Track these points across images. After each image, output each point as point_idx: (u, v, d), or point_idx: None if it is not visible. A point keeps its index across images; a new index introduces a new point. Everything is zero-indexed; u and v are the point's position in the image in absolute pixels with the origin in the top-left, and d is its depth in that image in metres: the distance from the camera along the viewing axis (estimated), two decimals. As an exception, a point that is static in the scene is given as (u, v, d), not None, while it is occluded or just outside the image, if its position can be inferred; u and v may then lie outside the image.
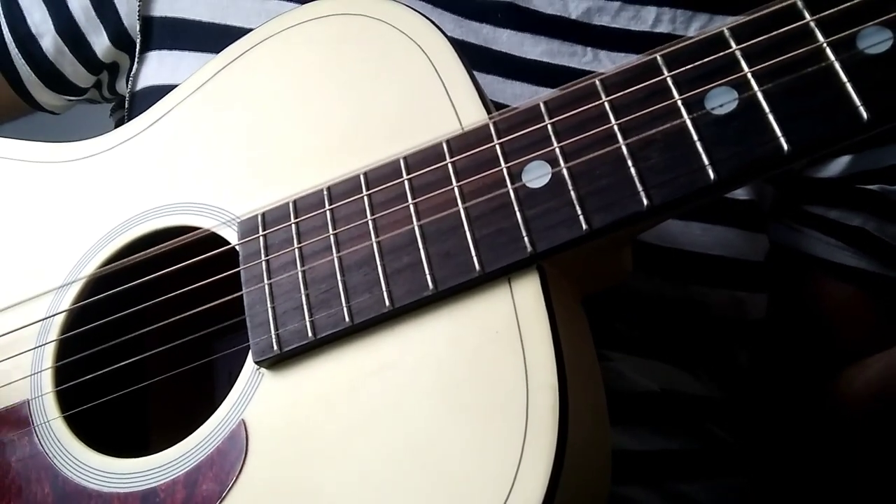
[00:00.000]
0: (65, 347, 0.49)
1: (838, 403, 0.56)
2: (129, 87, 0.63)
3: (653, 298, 0.52)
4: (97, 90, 0.69)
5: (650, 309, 0.53)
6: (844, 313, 0.59)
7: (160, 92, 0.53)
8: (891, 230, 0.58)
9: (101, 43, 0.64)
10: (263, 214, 0.45)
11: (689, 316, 0.54)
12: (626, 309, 0.52)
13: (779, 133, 0.36)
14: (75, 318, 0.49)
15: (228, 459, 0.42)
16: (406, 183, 0.42)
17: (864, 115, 0.35)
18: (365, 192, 0.43)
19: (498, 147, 0.41)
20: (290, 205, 0.44)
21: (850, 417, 0.55)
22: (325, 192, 0.44)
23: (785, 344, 0.61)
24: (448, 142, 0.42)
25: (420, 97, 0.45)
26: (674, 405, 0.52)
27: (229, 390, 0.44)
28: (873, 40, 0.36)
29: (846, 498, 0.58)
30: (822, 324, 0.59)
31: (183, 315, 0.46)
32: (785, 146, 0.36)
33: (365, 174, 0.43)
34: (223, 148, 0.49)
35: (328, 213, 0.43)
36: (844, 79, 0.36)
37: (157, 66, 0.61)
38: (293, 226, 0.44)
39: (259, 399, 0.42)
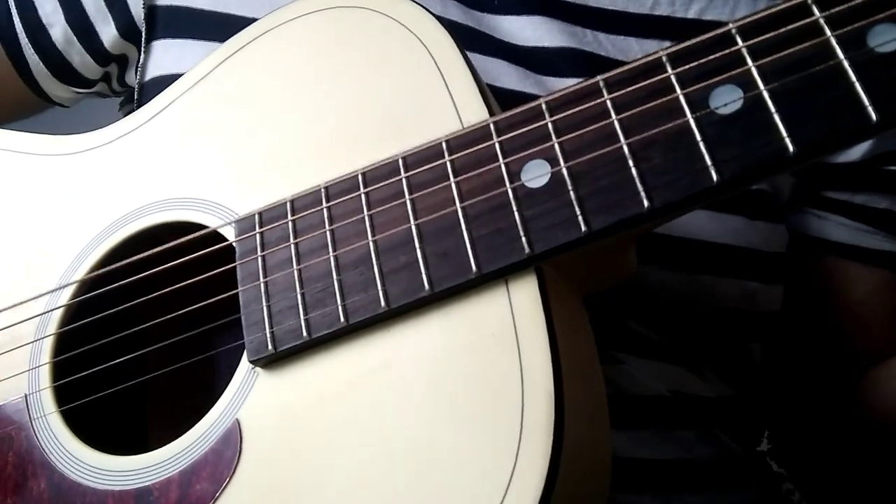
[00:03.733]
0: (63, 342, 0.49)
1: (867, 407, 0.55)
2: (138, 78, 0.63)
3: (663, 290, 0.51)
4: (106, 83, 0.69)
5: (661, 301, 0.52)
6: (872, 301, 0.57)
7: (167, 82, 0.53)
8: None
9: (108, 33, 0.64)
10: (261, 212, 0.44)
11: (699, 308, 0.53)
12: (636, 302, 0.51)
13: (784, 134, 0.35)
14: (74, 313, 0.49)
15: (223, 459, 0.41)
16: (404, 181, 0.41)
17: (873, 116, 0.34)
18: (362, 191, 0.42)
19: (497, 145, 0.40)
20: (288, 203, 0.44)
21: (880, 418, 0.54)
22: (322, 191, 0.43)
23: (804, 337, 0.60)
24: (447, 141, 0.41)
25: (420, 91, 0.44)
26: (683, 409, 0.51)
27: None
28: (884, 38, 0.35)
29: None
30: (846, 314, 0.58)
31: (180, 312, 0.45)
32: (791, 147, 0.35)
33: (363, 173, 0.43)
34: (222, 142, 0.48)
35: (325, 210, 0.43)
36: (853, 78, 0.35)
37: (162, 56, 0.61)
38: (290, 223, 0.43)
39: (254, 398, 0.42)
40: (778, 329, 0.56)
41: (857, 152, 0.56)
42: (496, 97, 0.45)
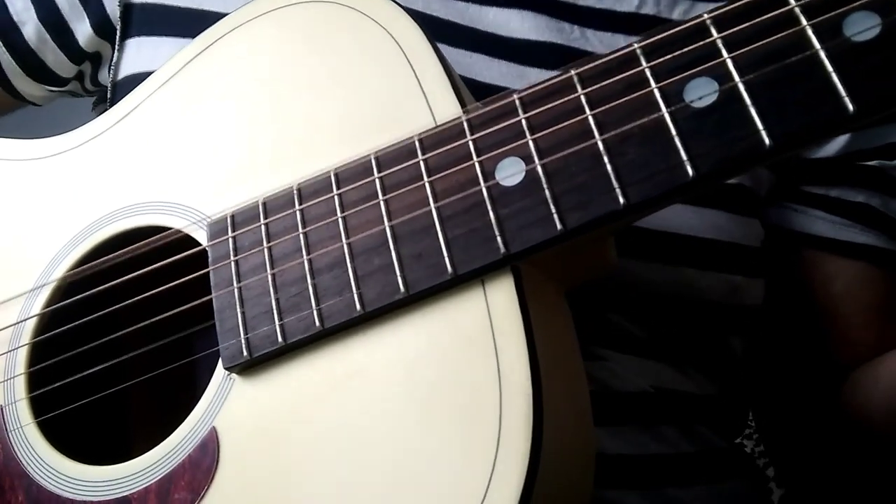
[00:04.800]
0: (37, 352, 0.48)
1: (853, 412, 0.55)
2: (112, 76, 0.62)
3: (646, 284, 0.51)
4: (79, 82, 0.68)
5: (642, 295, 0.51)
6: (852, 294, 0.57)
7: (140, 80, 0.52)
8: (895, 205, 0.57)
9: (83, 31, 0.63)
10: (233, 215, 0.44)
11: (682, 302, 0.52)
12: (618, 297, 0.51)
13: (760, 126, 0.35)
14: (48, 321, 0.48)
15: (200, 467, 0.41)
16: (377, 181, 0.41)
17: (850, 107, 0.33)
18: (335, 191, 0.41)
19: (471, 143, 0.39)
20: (260, 205, 0.43)
21: (866, 423, 0.54)
22: (294, 192, 0.42)
23: (783, 333, 0.60)
24: (420, 139, 0.41)
25: (391, 89, 0.43)
26: (666, 405, 0.51)
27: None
28: (860, 26, 0.34)
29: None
30: (826, 307, 0.58)
31: (155, 318, 0.45)
32: (766, 140, 0.34)
33: (336, 173, 0.42)
34: (193, 143, 0.48)
35: (298, 213, 0.42)
36: (830, 68, 0.34)
37: (136, 54, 0.60)
38: (262, 227, 0.42)
39: (230, 405, 0.41)
40: (760, 323, 0.56)
41: (833, 148, 0.57)
42: (476, 91, 0.44)
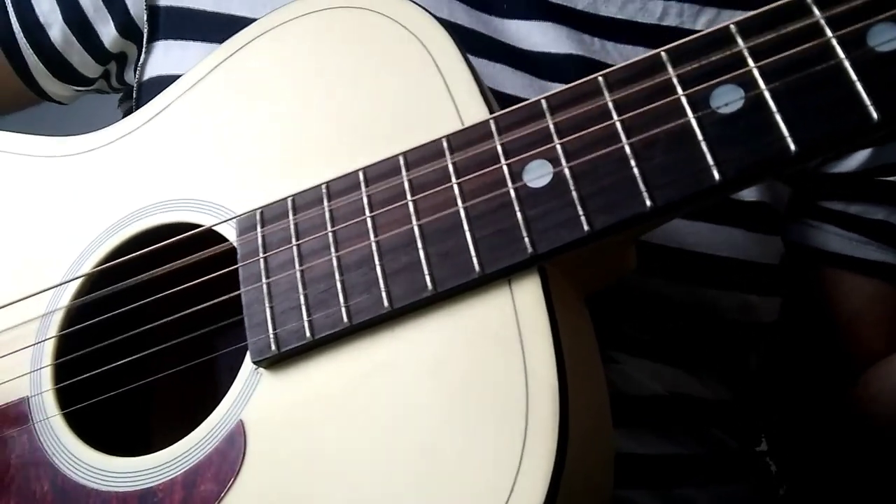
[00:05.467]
0: (64, 344, 0.49)
1: (862, 408, 0.55)
2: (137, 77, 0.63)
3: (661, 300, 0.51)
4: (105, 80, 0.69)
5: (658, 311, 0.52)
6: (868, 311, 0.58)
7: (167, 82, 0.53)
8: None
9: (108, 33, 0.63)
10: (262, 212, 0.44)
11: (697, 318, 0.53)
12: (633, 311, 0.51)
13: (786, 133, 0.35)
14: (75, 314, 0.49)
15: (227, 460, 0.41)
16: (405, 181, 0.41)
17: (874, 115, 0.34)
18: (364, 190, 0.42)
19: (499, 145, 0.40)
20: (289, 202, 0.44)
21: (874, 420, 0.54)
22: (323, 190, 0.43)
23: (800, 347, 0.60)
24: (448, 139, 0.41)
25: (420, 93, 0.44)
26: (680, 409, 0.51)
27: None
28: (884, 37, 0.35)
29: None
30: (843, 324, 0.58)
31: (182, 313, 0.45)
32: (792, 147, 0.35)
33: (364, 171, 0.43)
34: (221, 143, 0.48)
35: (327, 210, 0.43)
36: (854, 77, 0.35)
37: (163, 56, 0.61)
38: (291, 224, 0.43)
39: (257, 399, 0.42)
40: (775, 339, 0.57)
41: (853, 163, 0.57)
42: (498, 102, 0.45)
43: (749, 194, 0.53)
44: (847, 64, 0.35)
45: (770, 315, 0.55)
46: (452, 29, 0.45)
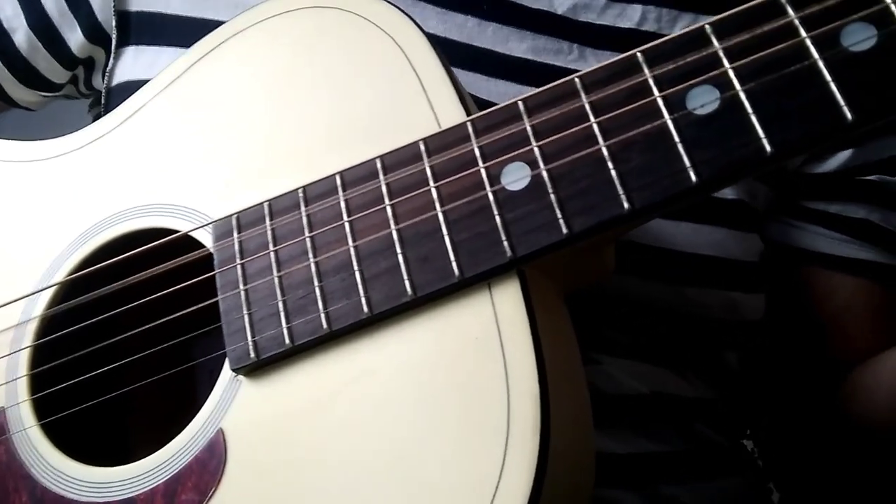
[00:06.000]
0: (40, 354, 0.48)
1: (854, 409, 0.56)
2: (106, 82, 0.62)
3: (643, 300, 0.51)
4: (73, 86, 0.67)
5: (640, 311, 0.52)
6: (852, 308, 0.58)
7: (137, 87, 0.52)
8: (895, 219, 0.58)
9: (75, 38, 0.62)
10: (238, 217, 0.44)
11: (681, 318, 0.53)
12: (615, 312, 0.51)
13: (761, 134, 0.36)
14: (50, 323, 0.48)
15: (207, 469, 0.41)
16: (383, 185, 0.41)
17: (848, 115, 0.34)
18: (341, 195, 0.42)
19: (476, 148, 0.40)
20: (266, 206, 0.43)
21: (868, 423, 0.55)
22: (300, 194, 0.43)
23: (784, 345, 0.61)
24: (425, 142, 0.41)
25: (396, 94, 0.44)
26: (662, 408, 0.52)
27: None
28: (857, 37, 0.35)
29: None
30: (827, 322, 0.59)
31: (159, 321, 0.45)
32: (767, 147, 0.35)
33: (341, 175, 0.42)
34: (195, 147, 0.48)
35: (304, 215, 0.42)
36: (828, 78, 0.35)
37: (133, 61, 0.60)
38: (268, 229, 0.43)
39: (237, 407, 0.42)
40: (760, 337, 0.57)
41: (834, 163, 0.57)
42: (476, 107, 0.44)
43: (728, 193, 0.53)
44: (821, 64, 0.35)
45: (754, 313, 0.55)
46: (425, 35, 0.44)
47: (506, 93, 0.53)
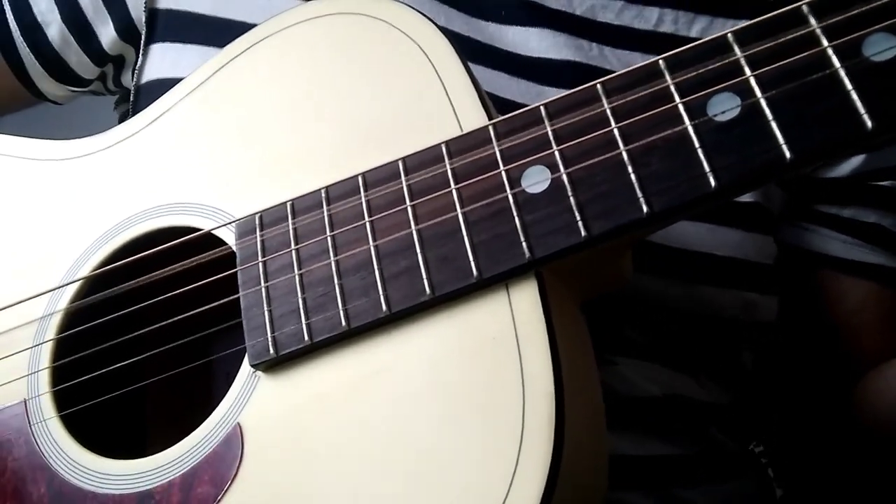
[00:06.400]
0: (62, 347, 0.49)
1: (863, 411, 0.56)
2: (135, 80, 0.63)
3: (661, 301, 0.52)
4: (101, 82, 0.69)
5: (658, 312, 0.52)
6: (863, 312, 0.59)
7: (164, 86, 0.53)
8: None
9: (107, 34, 0.63)
10: (261, 216, 0.45)
11: (698, 318, 0.53)
12: (633, 311, 0.51)
13: (781, 141, 0.36)
14: (73, 317, 0.49)
15: (224, 462, 0.42)
16: (405, 186, 0.42)
17: (869, 123, 0.35)
18: (363, 195, 0.42)
19: (497, 151, 0.41)
20: (288, 206, 0.44)
21: (876, 425, 0.55)
22: (322, 194, 0.43)
23: (797, 347, 0.61)
24: (447, 144, 0.42)
25: (420, 98, 0.44)
26: (676, 410, 0.52)
27: (227, 392, 0.44)
28: (879, 47, 0.35)
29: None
30: (840, 325, 0.59)
31: (180, 317, 0.46)
32: (787, 154, 0.36)
33: (363, 176, 0.43)
34: (221, 148, 0.49)
35: (326, 215, 0.43)
36: (849, 86, 0.35)
37: (159, 60, 0.61)
38: (290, 228, 0.43)
39: (255, 402, 0.42)
40: (774, 339, 0.57)
41: (847, 168, 0.58)
42: (496, 108, 0.45)
43: (745, 195, 0.54)
44: (842, 73, 0.35)
45: (769, 314, 0.56)
46: (449, 36, 0.45)
47: (528, 92, 0.54)
